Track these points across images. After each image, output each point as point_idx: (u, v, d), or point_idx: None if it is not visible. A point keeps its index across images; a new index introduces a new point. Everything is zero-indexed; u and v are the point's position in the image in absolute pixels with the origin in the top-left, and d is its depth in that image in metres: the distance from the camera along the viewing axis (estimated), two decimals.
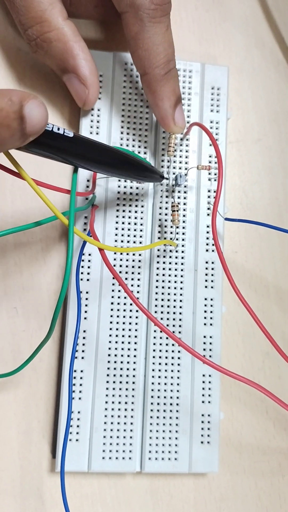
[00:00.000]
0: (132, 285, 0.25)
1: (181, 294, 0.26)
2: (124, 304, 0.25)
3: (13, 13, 0.24)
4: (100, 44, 0.28)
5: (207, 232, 0.26)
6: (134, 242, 0.26)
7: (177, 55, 0.25)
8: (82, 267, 0.25)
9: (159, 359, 0.25)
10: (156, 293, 0.25)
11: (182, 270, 0.26)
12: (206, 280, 0.26)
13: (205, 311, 0.26)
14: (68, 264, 0.18)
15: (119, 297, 0.25)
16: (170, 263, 0.26)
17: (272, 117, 0.30)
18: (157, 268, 0.26)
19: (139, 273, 0.26)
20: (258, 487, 0.26)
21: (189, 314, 0.26)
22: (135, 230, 0.26)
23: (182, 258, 0.26)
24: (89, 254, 0.25)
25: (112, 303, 0.25)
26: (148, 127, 0.27)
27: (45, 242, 0.26)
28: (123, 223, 0.26)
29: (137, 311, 0.25)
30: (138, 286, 0.25)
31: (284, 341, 0.28)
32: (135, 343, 0.25)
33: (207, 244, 0.26)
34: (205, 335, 0.26)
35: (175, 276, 0.26)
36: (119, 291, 0.25)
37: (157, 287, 0.26)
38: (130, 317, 0.25)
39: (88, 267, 0.25)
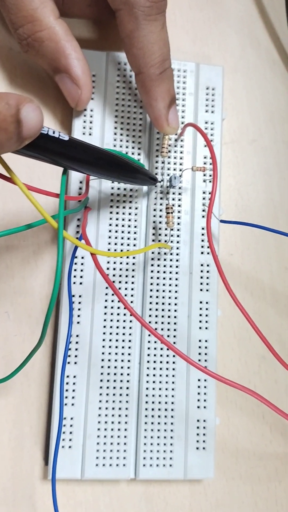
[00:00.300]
0: (126, 289, 0.25)
1: (176, 298, 0.25)
2: (118, 308, 0.25)
3: (4, 12, 0.24)
4: (93, 43, 0.28)
5: (202, 235, 0.26)
6: (128, 244, 0.25)
7: (171, 55, 0.24)
8: (75, 270, 0.25)
9: (154, 364, 0.25)
10: (151, 296, 0.25)
11: (177, 273, 0.25)
12: (201, 283, 0.26)
13: (200, 315, 0.25)
14: (58, 269, 0.17)
15: (112, 301, 0.25)
16: (164, 266, 0.25)
17: (268, 117, 0.29)
18: (152, 271, 0.25)
19: (133, 276, 0.25)
20: (255, 493, 0.26)
21: (184, 317, 0.25)
22: (129, 232, 0.25)
23: (177, 260, 0.25)
24: (82, 257, 0.25)
25: (105, 307, 0.25)
26: (142, 128, 0.26)
27: (37, 245, 0.26)
28: (116, 225, 0.25)
29: (131, 315, 0.25)
30: (132, 289, 0.25)
31: (281, 345, 0.27)
32: (129, 347, 0.25)
33: (202, 247, 0.26)
34: (201, 339, 0.25)
35: (170, 279, 0.25)
36: (112, 294, 0.25)
37: (151, 290, 0.25)
38: (124, 321, 0.25)
39: (81, 270, 0.25)
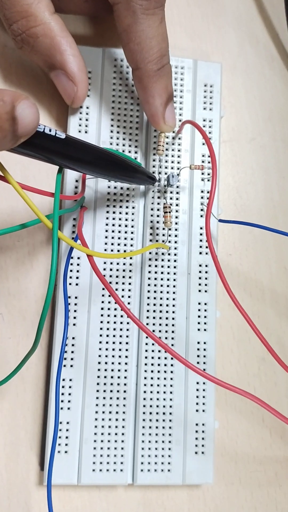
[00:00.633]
0: (123, 289, 0.24)
1: (173, 299, 0.25)
2: (115, 309, 0.24)
3: None
4: (89, 39, 0.27)
5: (200, 234, 0.25)
6: (125, 244, 0.25)
7: (169, 52, 0.24)
8: (71, 271, 0.24)
9: (151, 367, 0.24)
10: (148, 297, 0.25)
11: (174, 273, 0.25)
12: (199, 284, 0.25)
13: (199, 316, 0.25)
14: (52, 271, 0.17)
15: (109, 302, 0.24)
16: (162, 266, 0.25)
17: (266, 115, 0.29)
18: (149, 272, 0.25)
19: (130, 277, 0.25)
20: (254, 497, 0.26)
21: (182, 319, 0.25)
22: (126, 232, 0.25)
23: (175, 261, 0.25)
24: (78, 258, 0.24)
25: (102, 308, 0.24)
26: (139, 125, 0.26)
27: (32, 246, 0.25)
28: (113, 225, 0.25)
29: (128, 317, 0.24)
30: (129, 290, 0.25)
31: (280, 346, 0.27)
32: (126, 350, 0.24)
33: (200, 247, 0.25)
34: (199, 341, 0.25)
35: (168, 280, 0.25)
36: (109, 296, 0.24)
37: (149, 291, 0.25)
38: (121, 322, 0.24)
39: (77, 271, 0.24)
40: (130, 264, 0.25)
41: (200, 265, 0.25)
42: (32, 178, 0.26)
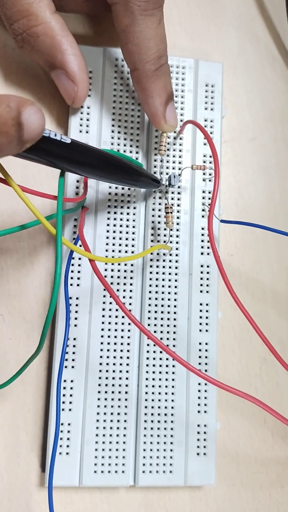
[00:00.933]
0: (124, 290, 0.24)
1: (175, 299, 0.25)
2: (116, 310, 0.24)
3: None
4: (90, 39, 0.27)
5: (202, 235, 0.25)
6: (127, 245, 0.25)
7: (168, 52, 0.24)
8: (72, 272, 0.24)
9: (153, 368, 0.24)
10: (150, 298, 0.24)
11: (176, 274, 0.25)
12: (201, 285, 0.25)
13: (201, 317, 0.25)
14: (57, 274, 0.17)
15: (111, 303, 0.24)
16: (163, 267, 0.25)
17: (267, 115, 0.29)
18: (150, 273, 0.25)
19: (131, 278, 0.25)
20: (256, 499, 0.26)
21: (184, 320, 0.25)
22: (127, 233, 0.25)
23: (176, 261, 0.25)
24: (79, 258, 0.24)
25: (103, 309, 0.24)
26: (140, 125, 0.26)
27: (33, 246, 0.25)
28: (114, 225, 0.25)
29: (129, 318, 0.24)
30: (131, 291, 0.24)
31: (282, 347, 0.27)
32: (128, 351, 0.24)
33: (202, 247, 0.25)
34: (201, 341, 0.25)
35: (169, 280, 0.25)
36: (110, 296, 0.24)
37: (150, 292, 0.25)
38: (123, 323, 0.24)
39: (78, 272, 0.24)
40: (132, 265, 0.25)
41: (201, 266, 0.25)
42: (32, 179, 0.25)
